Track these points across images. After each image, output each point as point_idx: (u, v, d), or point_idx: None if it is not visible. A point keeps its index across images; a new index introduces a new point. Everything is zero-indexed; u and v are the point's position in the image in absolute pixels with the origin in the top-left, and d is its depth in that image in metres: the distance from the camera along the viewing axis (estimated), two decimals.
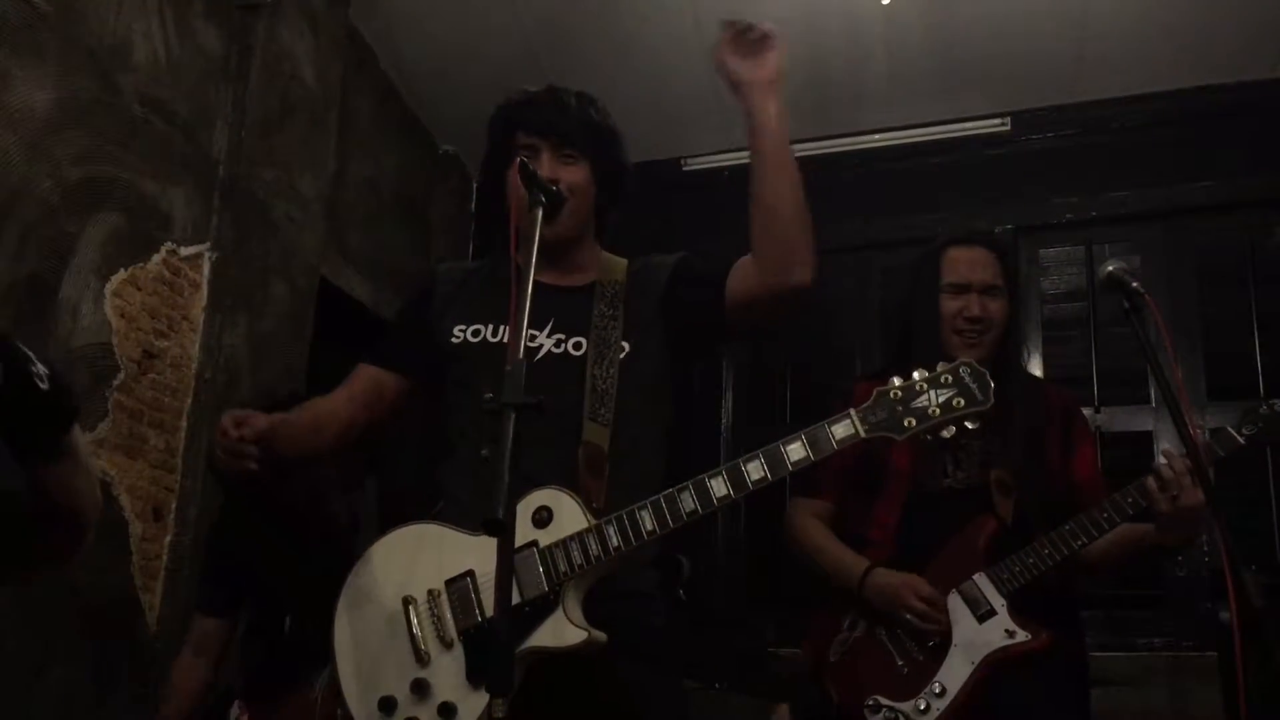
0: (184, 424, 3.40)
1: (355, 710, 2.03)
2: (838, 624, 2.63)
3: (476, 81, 4.82)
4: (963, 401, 1.93)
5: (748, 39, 2.10)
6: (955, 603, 2.50)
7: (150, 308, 3.28)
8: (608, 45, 4.58)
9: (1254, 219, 4.54)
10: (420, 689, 1.98)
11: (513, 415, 1.64)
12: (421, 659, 2.01)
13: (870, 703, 2.46)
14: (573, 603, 1.98)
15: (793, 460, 1.96)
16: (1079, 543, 2.49)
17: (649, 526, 1.97)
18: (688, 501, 1.97)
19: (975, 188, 4.87)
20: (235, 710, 2.86)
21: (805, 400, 4.86)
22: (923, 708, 2.42)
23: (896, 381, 1.95)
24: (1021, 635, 2.45)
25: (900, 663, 2.50)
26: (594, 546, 1.96)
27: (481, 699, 1.91)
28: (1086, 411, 3.97)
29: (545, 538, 1.99)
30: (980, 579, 2.52)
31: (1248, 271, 4.47)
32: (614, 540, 1.96)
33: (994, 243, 2.90)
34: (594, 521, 1.99)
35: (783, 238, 2.09)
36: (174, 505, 3.34)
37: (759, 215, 2.12)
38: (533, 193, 1.99)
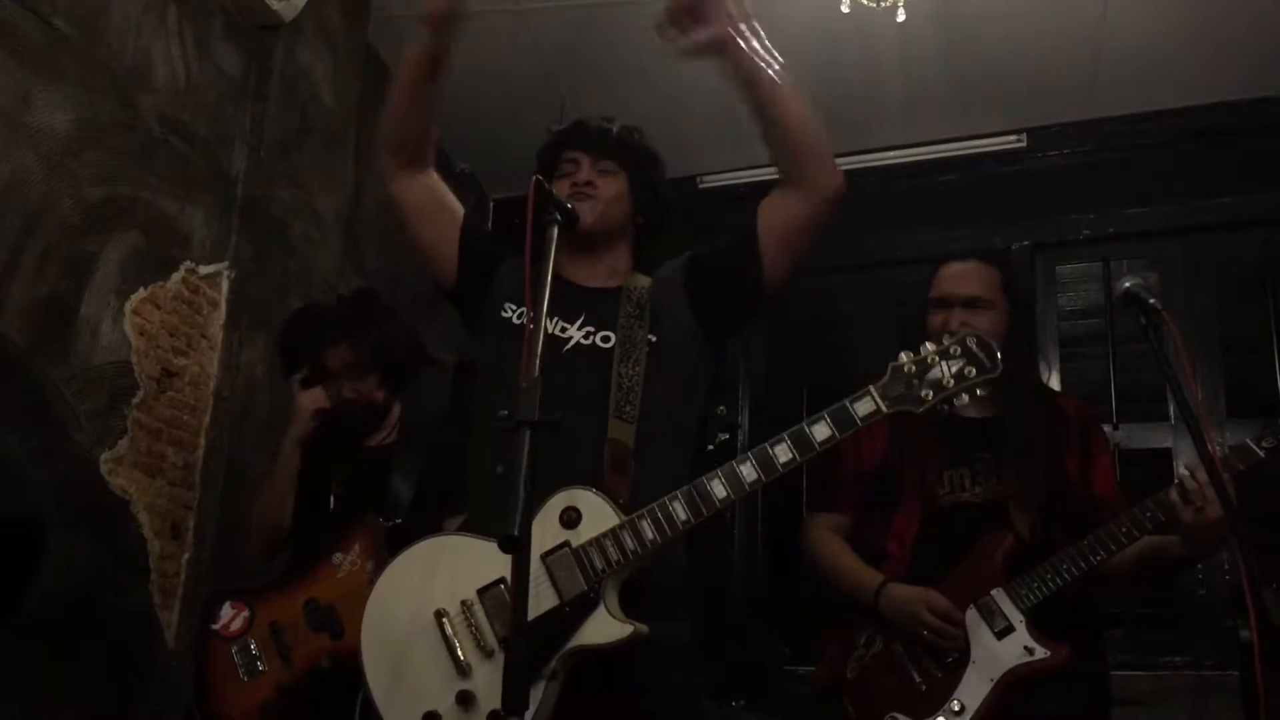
0: (202, 442, 3.41)
1: None
2: (854, 640, 2.62)
3: (493, 101, 4.85)
4: (974, 370, 2.00)
5: (687, 12, 2.14)
6: (973, 619, 2.48)
7: (169, 326, 3.30)
8: (623, 64, 4.59)
9: (1273, 235, 4.52)
10: (465, 701, 1.97)
11: (529, 433, 1.65)
12: (463, 670, 1.99)
13: None
14: (612, 598, 1.99)
15: (819, 440, 2.00)
16: (1098, 557, 2.47)
17: (682, 516, 1.99)
18: (719, 489, 1.99)
19: (992, 204, 4.86)
20: (226, 610, 2.91)
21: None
22: None
23: (906, 356, 2.01)
24: (1041, 652, 2.43)
25: (918, 679, 2.48)
26: (629, 541, 1.98)
27: (531, 702, 1.91)
28: (1105, 428, 3.96)
29: (576, 538, 2.00)
30: (998, 594, 2.50)
31: (1267, 288, 4.45)
32: (649, 533, 1.98)
33: (993, 258, 2.89)
34: (625, 517, 2.00)
35: (807, 149, 2.18)
36: (192, 523, 3.35)
37: (780, 139, 2.19)
38: (548, 211, 2.00)
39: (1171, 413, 4.33)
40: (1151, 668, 3.96)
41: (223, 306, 3.54)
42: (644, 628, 1.96)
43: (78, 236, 2.99)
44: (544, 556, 1.99)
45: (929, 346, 2.01)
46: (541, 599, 1.97)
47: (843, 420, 2.00)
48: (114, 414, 3.09)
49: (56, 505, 1.74)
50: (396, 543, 2.21)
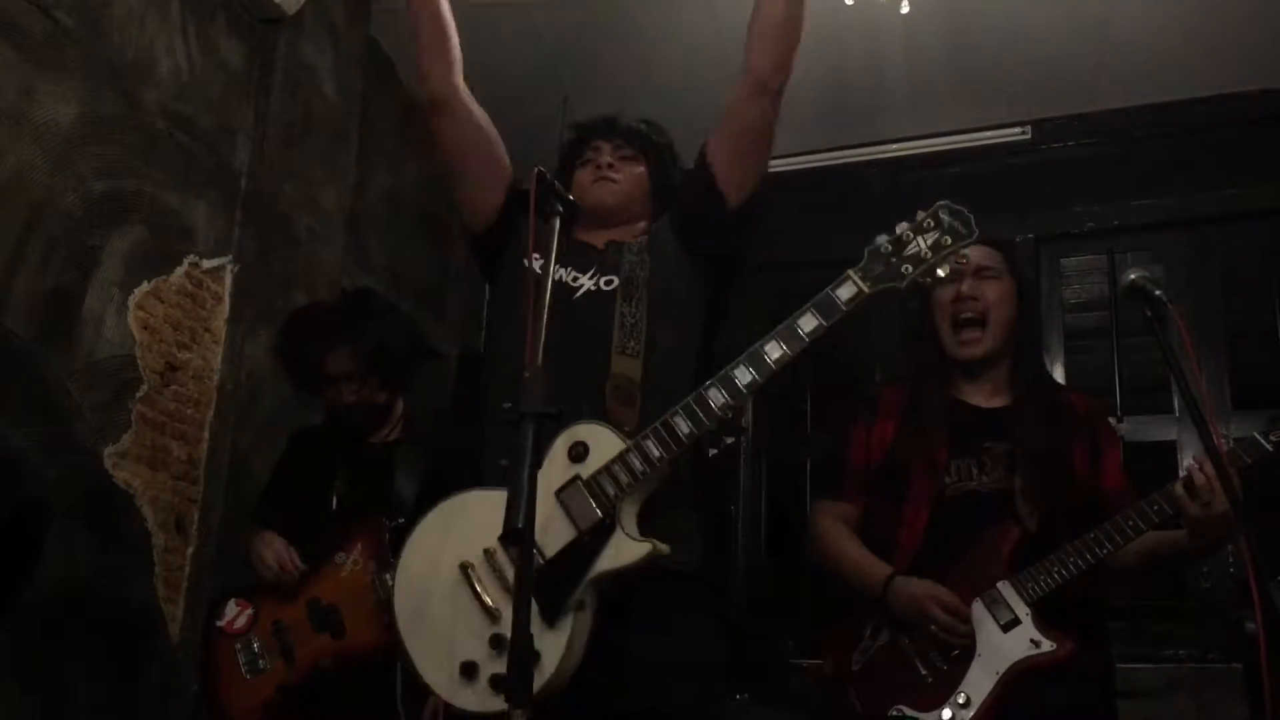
0: (206, 435, 3.41)
1: (436, 683, 2.03)
2: (860, 632, 2.61)
3: (496, 94, 4.80)
4: (949, 239, 2.04)
5: None
6: (979, 611, 2.48)
7: (173, 320, 3.30)
8: (628, 57, 4.59)
9: (1278, 226, 4.51)
10: (499, 643, 1.99)
11: (531, 425, 1.65)
12: (493, 615, 2.02)
13: (894, 713, 2.44)
14: (630, 521, 2.02)
15: (806, 331, 2.03)
16: (1104, 550, 2.46)
17: (685, 429, 2.02)
18: (717, 396, 2.03)
19: (996, 197, 4.83)
20: (231, 608, 2.93)
21: (827, 410, 4.84)
22: (947, 718, 2.40)
23: (883, 238, 2.05)
24: (1047, 645, 2.42)
25: (924, 672, 2.48)
26: (637, 463, 2.01)
27: (561, 636, 1.95)
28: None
29: (586, 469, 2.03)
30: (1004, 587, 2.49)
31: (1272, 280, 4.44)
32: (655, 451, 2.02)
33: (992, 241, 2.88)
34: (629, 441, 2.03)
35: (778, 38, 2.27)
36: (196, 516, 3.35)
37: (761, 24, 2.29)
38: (550, 202, 2.00)
39: (1176, 405, 4.33)
40: (1156, 660, 3.96)
41: (226, 300, 3.54)
42: (664, 546, 1.99)
43: (81, 230, 2.99)
44: (557, 493, 2.02)
45: (903, 225, 2.04)
46: (559, 534, 2.00)
47: (827, 307, 2.03)
48: (118, 408, 3.09)
49: (53, 498, 1.72)
50: (400, 543, 2.22)
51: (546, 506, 1.97)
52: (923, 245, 2.03)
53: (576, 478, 2.03)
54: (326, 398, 3.18)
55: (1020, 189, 4.83)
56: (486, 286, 2.69)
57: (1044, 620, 2.45)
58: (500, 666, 1.95)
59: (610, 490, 2.00)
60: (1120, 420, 4.38)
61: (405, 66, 4.78)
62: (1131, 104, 4.69)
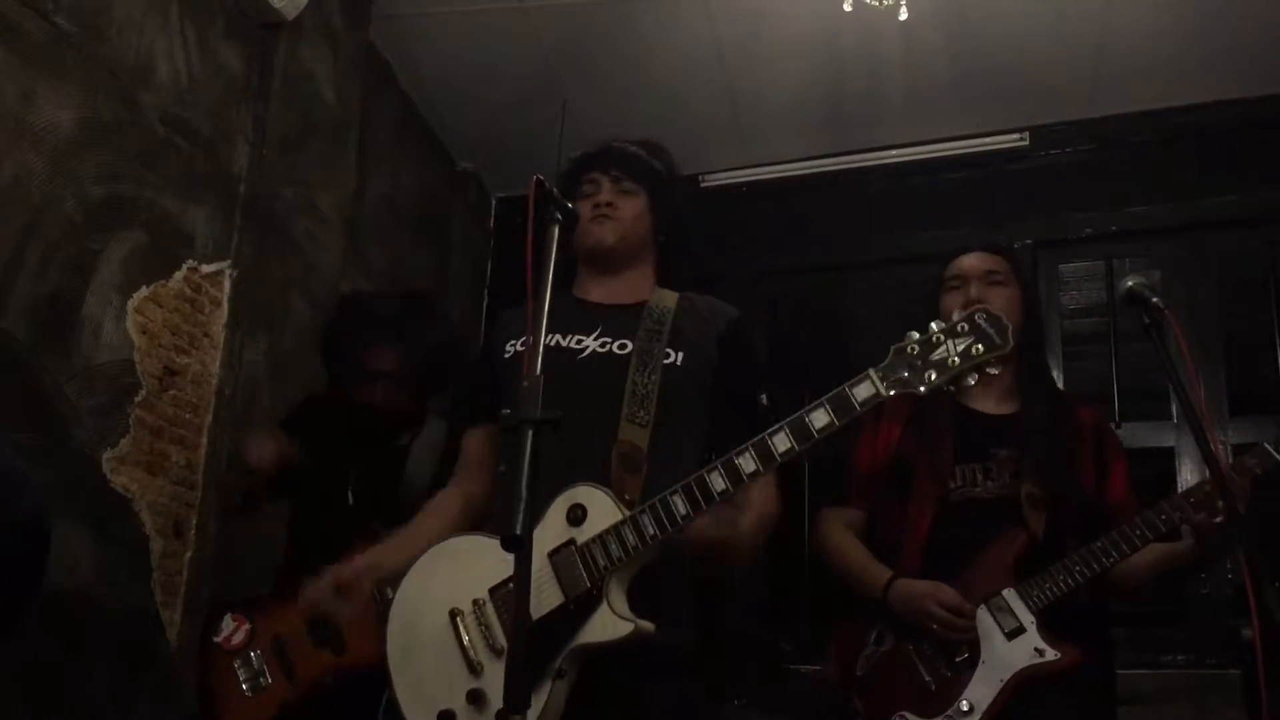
0: (204, 440, 3.41)
1: None
2: (865, 637, 2.61)
3: (495, 99, 4.85)
4: (981, 347, 1.89)
5: None
6: (984, 618, 2.48)
7: (171, 325, 3.29)
8: (626, 63, 4.59)
9: (1276, 233, 4.51)
10: (476, 699, 1.99)
11: (530, 431, 1.64)
12: (474, 669, 2.02)
13: (897, 719, 2.45)
14: (617, 595, 1.98)
15: (818, 428, 1.94)
16: (1110, 559, 2.47)
17: (682, 510, 1.97)
18: (718, 481, 1.97)
19: (994, 203, 4.85)
20: (228, 623, 2.91)
21: None
22: None
23: (914, 336, 1.93)
24: (1051, 654, 2.42)
25: (928, 679, 2.48)
26: (631, 537, 1.97)
27: (538, 701, 1.92)
28: None
29: (581, 535, 2.01)
30: (1009, 594, 2.49)
31: (1270, 286, 4.44)
32: (650, 529, 1.97)
33: (996, 248, 2.89)
34: (627, 513, 1.99)
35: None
36: (194, 521, 3.34)
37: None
38: (548, 210, 2.00)
39: (1174, 412, 4.33)
40: (1155, 666, 3.97)
41: (225, 305, 3.53)
42: (648, 625, 1.96)
43: (80, 235, 2.98)
44: (550, 555, 2.00)
45: (936, 325, 1.92)
46: (547, 597, 1.98)
47: (842, 406, 1.94)
48: (116, 413, 3.08)
49: (50, 515, 1.73)
50: None
51: (539, 565, 1.95)
52: (952, 350, 1.90)
53: (571, 541, 2.00)
54: (353, 391, 3.14)
55: (1018, 195, 4.84)
56: (485, 293, 2.69)
57: (1048, 629, 2.45)
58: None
59: (601, 561, 1.97)
60: (1118, 426, 4.37)
61: (404, 72, 4.79)
62: (1129, 110, 4.70)
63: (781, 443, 1.95)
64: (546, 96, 4.68)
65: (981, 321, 1.90)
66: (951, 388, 1.94)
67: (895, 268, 4.86)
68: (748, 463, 1.97)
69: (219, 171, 3.55)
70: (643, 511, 1.98)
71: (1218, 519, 2.31)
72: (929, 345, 1.92)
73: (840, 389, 1.95)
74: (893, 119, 4.84)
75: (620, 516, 2.00)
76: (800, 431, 1.95)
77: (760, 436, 1.97)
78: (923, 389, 1.91)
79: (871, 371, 1.94)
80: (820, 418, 1.95)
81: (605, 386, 2.20)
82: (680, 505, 1.97)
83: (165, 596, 3.22)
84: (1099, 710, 2.56)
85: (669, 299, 2.38)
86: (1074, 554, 2.49)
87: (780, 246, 5.03)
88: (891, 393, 1.92)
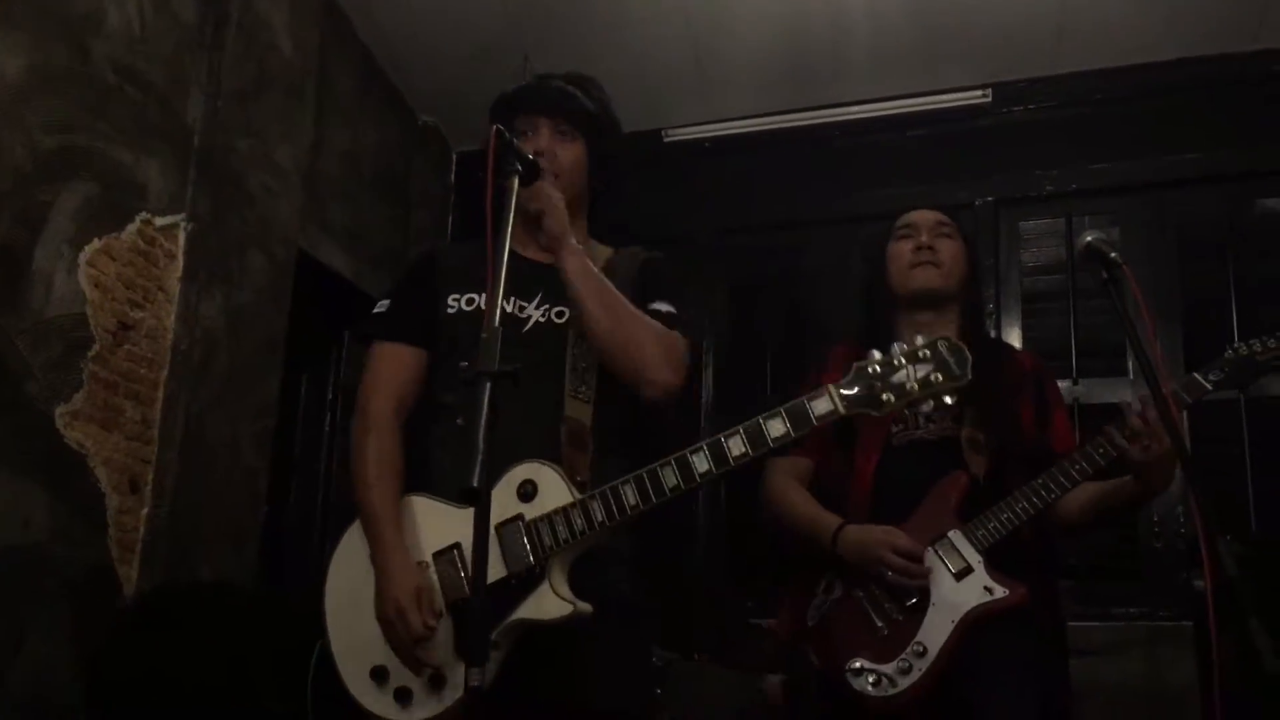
0: (160, 395, 3.37)
1: (349, 680, 2.06)
2: (813, 588, 2.62)
3: (457, 52, 4.78)
4: (940, 377, 1.92)
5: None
6: (932, 560, 2.49)
7: (125, 278, 3.25)
8: (589, 15, 4.54)
9: (1235, 191, 4.55)
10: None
11: (488, 384, 1.63)
12: None
13: (852, 666, 2.45)
14: (559, 576, 2.00)
15: (773, 436, 1.98)
16: (1051, 494, 2.49)
17: (632, 501, 1.98)
18: (670, 477, 1.99)
19: (956, 160, 4.85)
20: None
21: (786, 370, 4.86)
22: (905, 668, 2.41)
23: (876, 355, 1.96)
24: (1000, 591, 2.44)
25: (880, 624, 2.49)
26: (579, 521, 1.99)
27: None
28: (1064, 384, 3.99)
29: (530, 511, 2.01)
30: (955, 535, 2.50)
31: (1228, 244, 4.48)
32: (598, 515, 1.99)
33: (945, 209, 2.92)
34: (578, 496, 2.01)
35: (625, 365, 2.12)
36: (150, 477, 3.32)
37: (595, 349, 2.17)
38: (509, 161, 1.97)
39: (1131, 368, 4.37)
40: (1107, 619, 4.02)
41: (180, 259, 3.49)
42: (586, 607, 1.97)
43: (30, 186, 2.93)
44: (498, 527, 2.00)
45: (898, 348, 1.95)
46: (492, 568, 1.97)
47: (798, 417, 1.97)
48: (69, 367, 3.04)
49: None
50: None
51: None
52: (911, 376, 1.92)
53: (520, 516, 2.01)
54: None
55: (980, 152, 4.84)
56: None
57: (998, 569, 2.47)
58: (408, 681, 2.01)
59: (546, 541, 1.98)
60: (1076, 383, 4.42)
61: (364, 23, 4.71)
62: (1092, 68, 4.70)
63: (736, 446, 1.98)
64: (509, 49, 4.62)
65: (944, 350, 1.94)
66: (906, 411, 2.04)
67: (855, 225, 4.86)
68: (701, 462, 1.99)
69: (173, 122, 3.49)
70: (593, 498, 2.00)
71: (1160, 449, 2.34)
72: (890, 367, 1.95)
73: (800, 401, 1.99)
74: (856, 75, 4.82)
75: (571, 499, 2.01)
76: (756, 437, 1.98)
77: (716, 438, 1.99)
78: (876, 413, 1.95)
79: (831, 387, 1.97)
80: (777, 426, 1.98)
81: (548, 359, 2.18)
82: (630, 496, 1.98)
83: (121, 553, 3.20)
84: (1050, 654, 2.58)
85: (600, 257, 2.32)
86: (1016, 491, 2.51)
87: (743, 202, 5.01)
88: (847, 411, 1.95)
